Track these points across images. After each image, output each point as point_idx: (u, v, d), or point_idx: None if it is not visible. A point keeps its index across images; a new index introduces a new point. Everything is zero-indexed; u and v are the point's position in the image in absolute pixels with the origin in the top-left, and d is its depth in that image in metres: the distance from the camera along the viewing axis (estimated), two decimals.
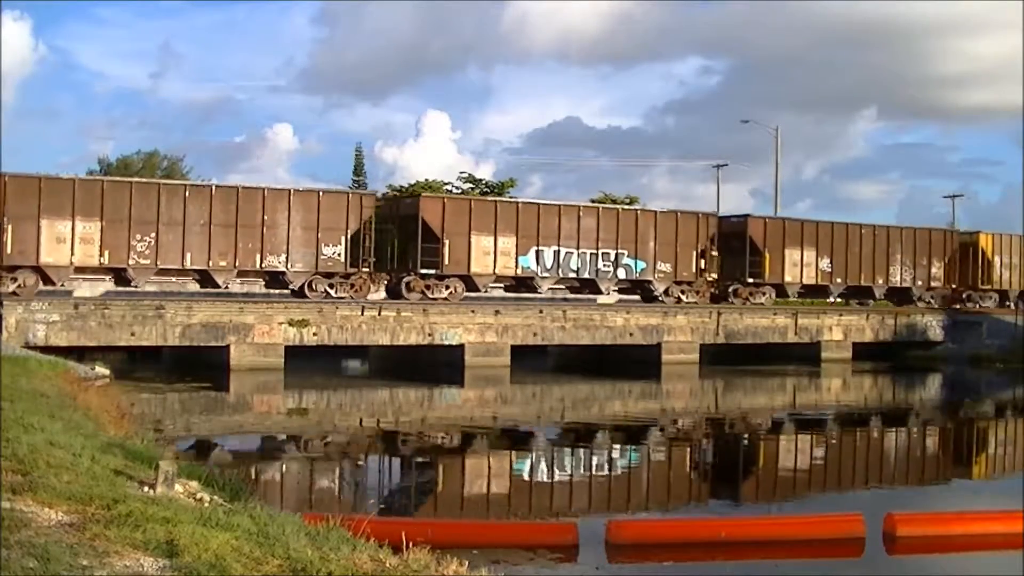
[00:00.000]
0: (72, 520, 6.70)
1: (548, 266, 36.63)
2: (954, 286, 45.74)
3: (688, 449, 21.87)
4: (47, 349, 25.71)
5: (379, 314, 32.34)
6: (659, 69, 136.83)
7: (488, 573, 7.11)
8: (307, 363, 32.29)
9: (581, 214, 37.69)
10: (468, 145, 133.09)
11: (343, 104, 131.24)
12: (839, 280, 42.69)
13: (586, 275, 37.46)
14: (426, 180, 61.51)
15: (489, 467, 18.92)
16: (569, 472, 18.28)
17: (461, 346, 33.28)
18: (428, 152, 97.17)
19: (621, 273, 37.98)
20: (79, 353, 27.28)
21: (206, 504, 8.35)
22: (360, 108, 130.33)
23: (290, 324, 30.99)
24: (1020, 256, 47.09)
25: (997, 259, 46.32)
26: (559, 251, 36.73)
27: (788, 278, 41.57)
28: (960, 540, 12.06)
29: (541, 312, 35.27)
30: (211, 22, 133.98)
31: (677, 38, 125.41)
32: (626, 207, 44.19)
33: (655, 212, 39.89)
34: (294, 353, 31.32)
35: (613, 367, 35.19)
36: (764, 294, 41.16)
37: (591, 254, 37.25)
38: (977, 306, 45.55)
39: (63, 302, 29.17)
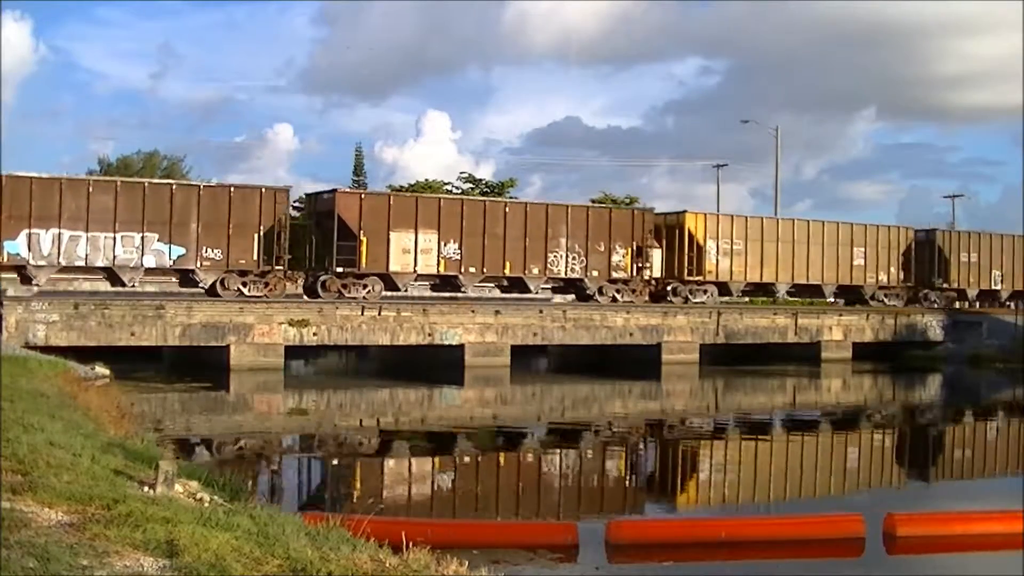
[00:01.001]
0: (72, 520, 6.70)
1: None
2: (657, 276, 39.35)
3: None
4: (47, 349, 25.69)
5: (379, 314, 32.34)
6: (658, 69, 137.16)
7: (488, 573, 7.11)
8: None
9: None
10: (468, 145, 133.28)
11: (343, 104, 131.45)
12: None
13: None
14: (426, 180, 61.55)
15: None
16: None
17: (461, 346, 33.27)
18: (428, 152, 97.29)
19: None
20: (79, 353, 27.26)
21: (206, 504, 8.35)
22: (360, 108, 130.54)
23: (290, 324, 30.98)
24: (745, 241, 40.75)
25: (712, 244, 40.24)
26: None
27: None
28: (960, 540, 12.06)
29: (541, 312, 35.26)
30: (211, 22, 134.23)
31: (676, 38, 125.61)
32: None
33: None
34: (294, 353, 31.29)
35: (613, 367, 35.19)
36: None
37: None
38: (687, 302, 39.44)
39: (63, 302, 29.16)
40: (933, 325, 43.45)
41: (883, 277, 44.20)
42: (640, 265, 38.47)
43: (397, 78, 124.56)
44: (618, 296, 37.94)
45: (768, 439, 23.24)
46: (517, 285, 37.45)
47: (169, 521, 6.76)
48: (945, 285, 45.77)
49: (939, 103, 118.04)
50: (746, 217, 42.76)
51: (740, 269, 40.66)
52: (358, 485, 16.94)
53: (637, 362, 35.78)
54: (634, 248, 38.28)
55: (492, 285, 38.16)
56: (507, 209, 37.02)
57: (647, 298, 38.67)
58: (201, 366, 30.32)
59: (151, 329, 29.38)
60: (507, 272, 36.41)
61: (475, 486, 17.32)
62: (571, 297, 39.22)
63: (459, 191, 58.82)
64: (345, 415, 26.76)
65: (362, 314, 32.18)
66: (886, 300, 44.25)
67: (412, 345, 32.82)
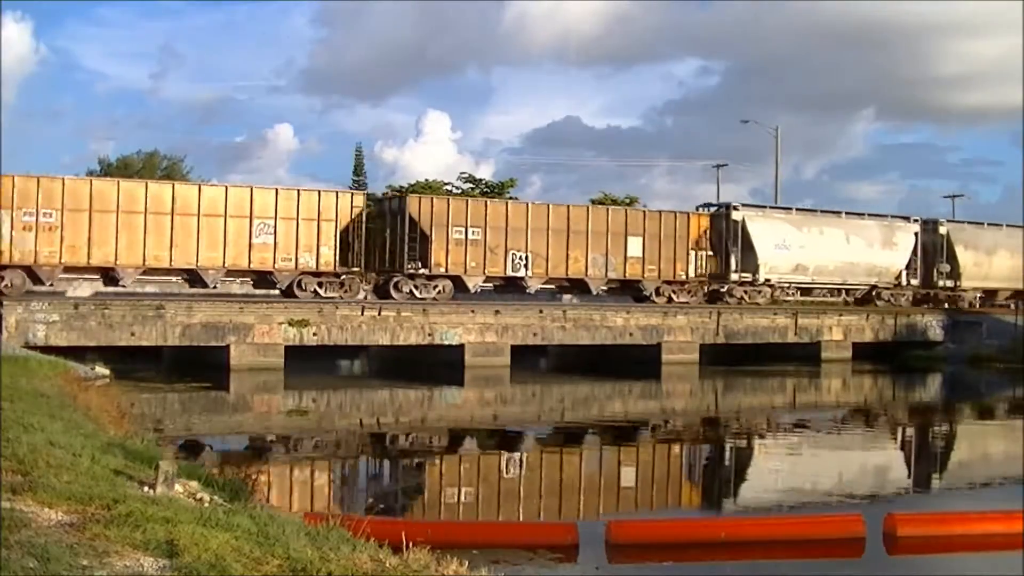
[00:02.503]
0: (72, 520, 6.70)
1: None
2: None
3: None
4: (47, 349, 25.69)
5: (379, 314, 32.34)
6: (658, 70, 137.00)
7: (488, 573, 7.11)
8: (307, 363, 32.25)
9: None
10: (468, 145, 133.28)
11: (343, 104, 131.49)
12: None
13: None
14: (426, 180, 61.52)
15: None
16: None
17: (461, 346, 33.27)
18: (428, 152, 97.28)
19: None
20: (79, 353, 27.27)
21: (206, 504, 8.34)
22: (360, 108, 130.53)
23: (290, 324, 30.98)
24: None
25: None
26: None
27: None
28: (960, 540, 12.05)
29: (541, 312, 35.26)
30: (211, 22, 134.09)
31: (675, 39, 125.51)
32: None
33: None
34: (294, 353, 31.28)
35: (613, 367, 35.18)
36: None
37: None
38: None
39: (63, 302, 29.18)
40: (933, 325, 43.46)
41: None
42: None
43: (397, 78, 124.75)
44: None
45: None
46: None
47: (169, 521, 6.76)
48: (424, 271, 35.66)
49: (939, 103, 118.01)
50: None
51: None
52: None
53: (637, 362, 35.78)
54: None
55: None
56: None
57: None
58: (201, 366, 30.32)
59: (151, 329, 29.38)
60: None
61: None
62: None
63: (459, 191, 58.85)
64: (345, 415, 26.77)
65: (362, 314, 32.18)
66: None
67: (412, 345, 32.82)
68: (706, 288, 40.40)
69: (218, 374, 29.40)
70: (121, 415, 15.94)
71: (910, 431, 26.46)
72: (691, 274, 39.78)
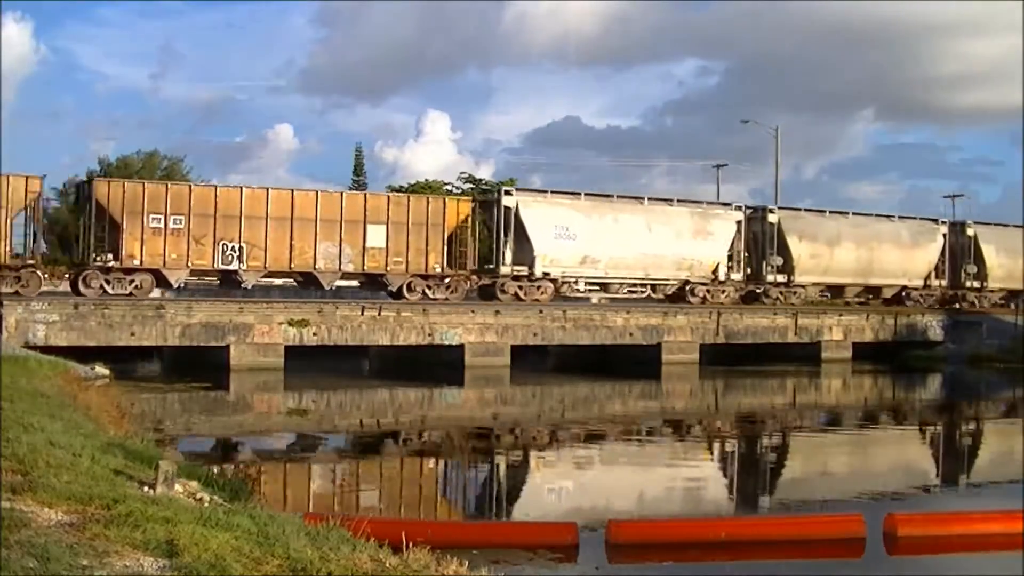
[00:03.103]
0: (72, 520, 6.70)
1: None
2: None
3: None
4: (47, 349, 25.69)
5: (379, 314, 32.33)
6: (657, 70, 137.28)
7: (488, 573, 7.11)
8: (307, 363, 32.25)
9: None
10: (468, 145, 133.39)
11: (343, 104, 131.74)
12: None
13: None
14: (426, 180, 61.62)
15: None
16: None
17: (461, 346, 33.26)
18: (428, 152, 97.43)
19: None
20: (79, 353, 27.26)
21: (206, 504, 8.35)
22: (360, 108, 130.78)
23: (290, 324, 30.97)
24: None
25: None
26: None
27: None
28: (961, 540, 12.04)
29: (541, 312, 35.25)
30: (211, 22, 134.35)
31: (674, 39, 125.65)
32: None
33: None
34: (294, 353, 31.28)
35: (613, 367, 35.18)
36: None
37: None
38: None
39: (63, 302, 29.16)
40: (933, 325, 43.43)
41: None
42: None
43: (397, 78, 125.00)
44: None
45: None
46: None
47: (169, 521, 6.76)
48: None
49: (938, 103, 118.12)
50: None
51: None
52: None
53: (637, 362, 35.78)
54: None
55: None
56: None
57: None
58: (201, 366, 30.32)
59: (151, 329, 29.37)
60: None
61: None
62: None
63: (459, 191, 58.86)
64: (345, 415, 26.77)
65: (362, 314, 32.17)
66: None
67: (412, 345, 32.81)
68: (472, 283, 36.71)
69: (218, 374, 29.40)
70: (121, 415, 15.95)
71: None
72: (447, 267, 35.36)
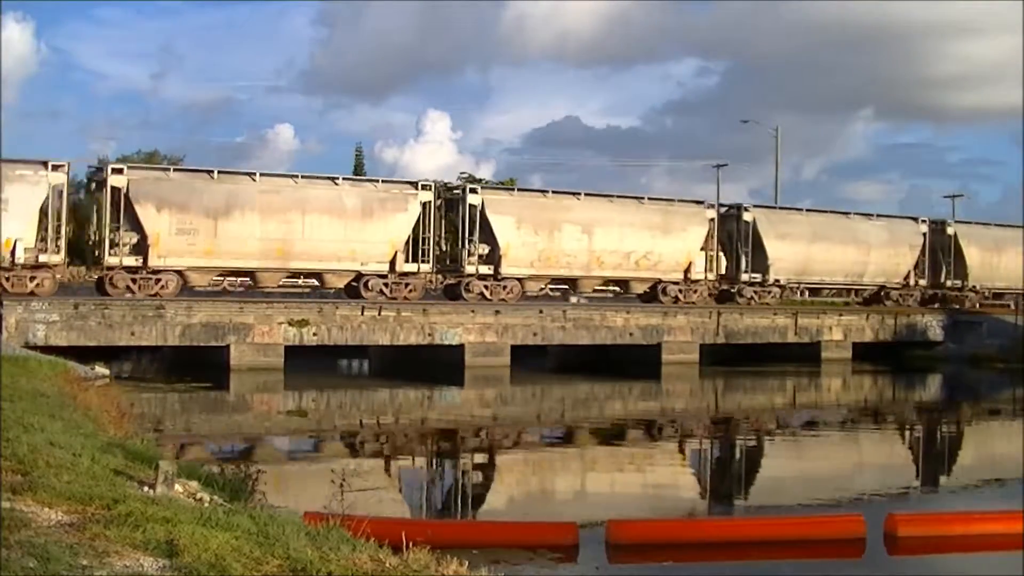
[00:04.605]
0: (72, 520, 6.70)
1: None
2: None
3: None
4: (47, 349, 25.68)
5: (379, 314, 32.31)
6: (657, 70, 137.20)
7: (488, 573, 7.11)
8: (307, 363, 32.25)
9: None
10: (468, 145, 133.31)
11: (343, 104, 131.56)
12: None
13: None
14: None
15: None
16: None
17: (461, 346, 33.24)
18: (428, 152, 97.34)
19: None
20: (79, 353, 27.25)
21: (206, 504, 8.34)
22: (360, 108, 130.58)
23: (290, 324, 30.96)
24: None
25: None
26: None
27: None
28: (961, 540, 12.05)
29: (541, 312, 35.23)
30: (211, 22, 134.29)
31: (674, 39, 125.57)
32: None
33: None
34: (294, 353, 31.27)
35: (613, 367, 35.16)
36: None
37: None
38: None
39: (63, 302, 29.14)
40: (933, 325, 43.41)
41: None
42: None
43: (397, 78, 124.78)
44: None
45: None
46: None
47: (169, 521, 6.76)
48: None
49: (938, 103, 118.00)
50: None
51: None
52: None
53: (637, 362, 35.75)
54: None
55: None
56: None
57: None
58: (201, 366, 30.30)
59: (151, 329, 29.36)
60: None
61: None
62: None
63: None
64: (345, 415, 26.76)
65: (362, 314, 32.16)
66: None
67: (412, 345, 32.80)
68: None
69: (218, 374, 29.39)
70: (121, 415, 15.93)
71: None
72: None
